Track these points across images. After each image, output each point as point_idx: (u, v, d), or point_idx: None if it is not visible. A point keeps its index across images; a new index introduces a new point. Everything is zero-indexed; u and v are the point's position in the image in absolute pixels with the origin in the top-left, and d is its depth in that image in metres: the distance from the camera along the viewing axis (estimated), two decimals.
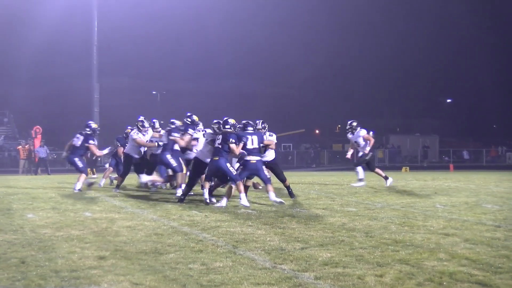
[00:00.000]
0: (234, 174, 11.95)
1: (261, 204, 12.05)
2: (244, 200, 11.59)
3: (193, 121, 15.08)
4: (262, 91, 76.44)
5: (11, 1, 55.40)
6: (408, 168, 33.65)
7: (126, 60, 70.29)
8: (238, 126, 12.59)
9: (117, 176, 16.73)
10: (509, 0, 71.37)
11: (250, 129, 12.45)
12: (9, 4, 55.00)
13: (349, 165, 21.35)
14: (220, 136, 12.20)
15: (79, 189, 15.14)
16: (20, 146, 31.68)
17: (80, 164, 15.51)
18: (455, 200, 12.70)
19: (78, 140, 15.62)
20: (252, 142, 12.18)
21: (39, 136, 32.35)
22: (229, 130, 12.14)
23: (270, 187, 12.13)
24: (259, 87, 77.96)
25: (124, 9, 56.02)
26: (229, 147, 11.94)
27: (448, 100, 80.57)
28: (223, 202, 11.75)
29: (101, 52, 40.70)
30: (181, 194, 12.84)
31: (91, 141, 15.56)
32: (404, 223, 9.02)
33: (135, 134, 15.20)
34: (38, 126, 33.23)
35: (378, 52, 78.30)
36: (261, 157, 12.46)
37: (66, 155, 16.75)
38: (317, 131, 75.39)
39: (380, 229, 8.37)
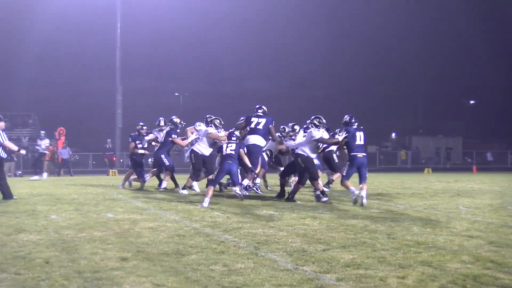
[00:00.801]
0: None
1: (283, 206, 12.02)
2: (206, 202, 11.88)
3: (211, 121, 15.23)
4: (285, 93, 76.46)
5: (37, 1, 56.09)
6: (430, 169, 33.47)
7: (149, 62, 70.63)
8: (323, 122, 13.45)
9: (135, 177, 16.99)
10: None
11: (355, 125, 12.70)
12: (35, 4, 55.71)
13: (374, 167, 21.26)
14: (234, 144, 12.74)
15: (164, 188, 15.84)
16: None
17: (166, 162, 15.96)
18: (479, 202, 12.61)
19: (160, 136, 16.49)
20: (361, 138, 12.49)
21: (62, 138, 32.64)
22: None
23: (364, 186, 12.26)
24: (282, 89, 78.04)
25: (147, 10, 56.33)
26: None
27: (472, 102, 79.87)
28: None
29: (124, 54, 40.91)
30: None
31: (174, 135, 15.97)
32: (427, 224, 8.96)
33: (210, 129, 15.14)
34: (61, 128, 33.53)
35: (402, 54, 77.81)
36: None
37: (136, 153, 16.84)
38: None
39: (402, 231, 8.32)
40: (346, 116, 12.79)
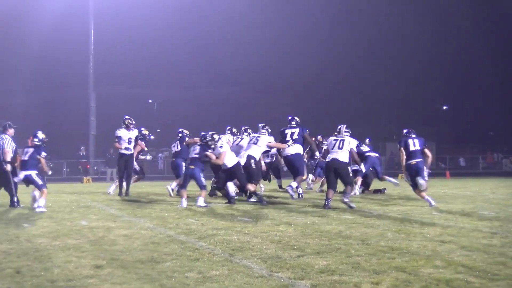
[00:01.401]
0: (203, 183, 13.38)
1: (257, 212, 12.04)
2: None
3: (233, 133, 16.30)
4: (259, 100, 76.47)
5: (8, 9, 55.48)
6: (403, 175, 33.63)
7: (123, 69, 70.46)
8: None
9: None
10: (506, 5, 71.45)
11: (413, 135, 13.85)
12: (6, 12, 55.09)
13: None
14: (198, 147, 13.83)
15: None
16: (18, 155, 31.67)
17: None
18: (452, 207, 12.73)
19: (176, 146, 16.89)
20: (414, 144, 13.41)
21: None
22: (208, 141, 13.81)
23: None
24: (257, 96, 77.99)
25: (121, 17, 56.27)
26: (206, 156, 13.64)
27: (445, 107, 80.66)
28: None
29: (98, 60, 40.64)
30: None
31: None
32: (401, 230, 9.03)
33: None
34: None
35: (374, 60, 78.49)
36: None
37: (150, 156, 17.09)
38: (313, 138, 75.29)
39: (376, 237, 8.37)
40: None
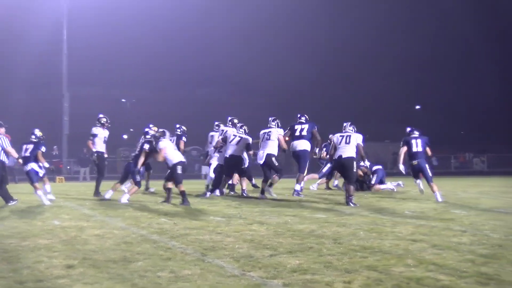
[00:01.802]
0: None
1: (230, 211, 12.03)
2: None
3: (234, 124, 16.77)
4: (234, 100, 76.53)
5: None
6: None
7: (96, 69, 69.95)
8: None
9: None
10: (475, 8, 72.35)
11: (415, 133, 14.98)
12: None
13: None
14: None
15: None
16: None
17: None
18: (424, 206, 12.85)
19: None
20: (417, 145, 14.51)
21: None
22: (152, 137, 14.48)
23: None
24: (231, 96, 78.06)
25: (94, 17, 55.80)
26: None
27: (417, 107, 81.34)
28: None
29: (71, 61, 40.33)
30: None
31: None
32: (373, 229, 9.07)
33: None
34: (7, 135, 32.83)
35: (347, 60, 78.85)
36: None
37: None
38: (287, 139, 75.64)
39: (348, 236, 8.41)
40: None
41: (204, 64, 74.69)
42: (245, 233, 8.81)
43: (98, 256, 6.95)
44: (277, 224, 9.89)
